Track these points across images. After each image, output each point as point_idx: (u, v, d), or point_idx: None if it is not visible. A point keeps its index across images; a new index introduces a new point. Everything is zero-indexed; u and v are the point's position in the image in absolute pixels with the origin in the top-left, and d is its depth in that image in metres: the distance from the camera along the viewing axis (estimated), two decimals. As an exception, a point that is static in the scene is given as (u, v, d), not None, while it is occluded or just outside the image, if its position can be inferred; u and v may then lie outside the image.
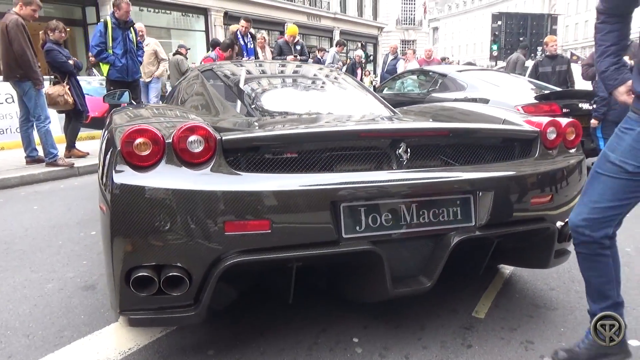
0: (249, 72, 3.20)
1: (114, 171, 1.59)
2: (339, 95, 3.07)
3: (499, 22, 34.52)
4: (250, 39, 7.75)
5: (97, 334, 2.10)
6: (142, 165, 1.60)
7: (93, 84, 8.44)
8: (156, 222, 1.58)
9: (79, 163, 5.74)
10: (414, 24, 41.45)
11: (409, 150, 1.88)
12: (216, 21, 20.19)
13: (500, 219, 1.95)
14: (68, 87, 5.83)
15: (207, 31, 20.09)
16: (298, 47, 8.75)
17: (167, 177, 1.60)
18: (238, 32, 7.57)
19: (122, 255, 1.61)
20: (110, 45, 5.92)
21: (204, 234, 1.59)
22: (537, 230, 2.05)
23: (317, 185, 1.67)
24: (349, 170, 1.83)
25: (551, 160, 2.12)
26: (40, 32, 5.82)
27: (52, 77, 5.92)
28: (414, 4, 41.43)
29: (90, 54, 6.71)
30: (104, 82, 8.51)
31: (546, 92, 5.63)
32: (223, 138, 1.65)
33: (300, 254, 1.68)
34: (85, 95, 6.62)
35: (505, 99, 5.57)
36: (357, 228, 1.75)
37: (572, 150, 2.24)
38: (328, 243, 1.72)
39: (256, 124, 2.18)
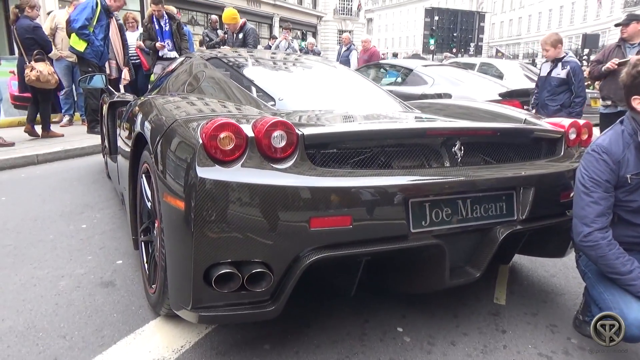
0: (258, 63, 3.15)
1: (196, 165, 1.55)
2: (354, 87, 3.11)
3: (434, 17, 35.83)
4: (167, 21, 7.04)
5: (140, 333, 2.02)
6: (224, 159, 1.57)
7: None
8: (241, 217, 1.56)
9: (37, 151, 5.35)
10: (351, 15, 41.88)
11: (462, 148, 1.97)
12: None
13: (538, 213, 2.10)
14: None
15: (142, 11, 19.05)
16: (240, 36, 7.73)
17: (252, 172, 1.58)
18: (153, 15, 6.97)
19: (203, 251, 1.57)
20: (93, 24, 5.62)
21: (289, 229, 1.59)
22: (563, 222, 2.23)
23: (393, 181, 1.72)
24: (411, 166, 1.89)
25: (574, 158, 2.30)
26: (12, 7, 5.48)
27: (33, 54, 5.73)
28: (351, -6, 41.84)
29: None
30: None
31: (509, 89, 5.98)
32: (305, 133, 1.66)
33: (375, 248, 1.72)
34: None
35: (469, 95, 5.85)
36: (423, 223, 1.82)
37: (586, 149, 2.43)
38: (398, 238, 1.78)
39: (319, 119, 2.19)
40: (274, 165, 1.62)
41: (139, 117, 2.26)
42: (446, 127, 2.11)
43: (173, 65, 3.66)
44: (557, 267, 2.94)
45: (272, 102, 2.50)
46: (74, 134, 6.52)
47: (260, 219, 1.57)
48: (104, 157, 4.68)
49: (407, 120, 2.43)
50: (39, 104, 6.14)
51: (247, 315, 1.70)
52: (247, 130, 1.62)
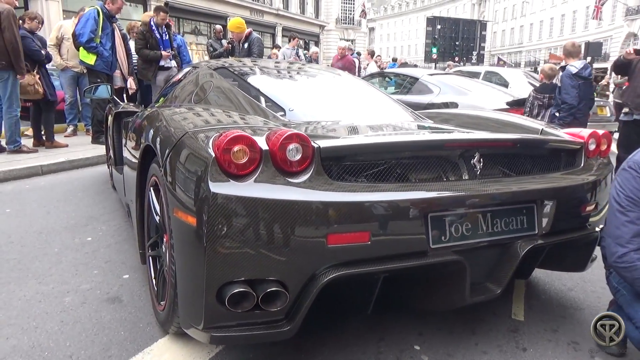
0: (266, 72, 3.10)
1: (208, 179, 1.49)
2: (363, 96, 3.06)
3: (437, 26, 35.91)
4: (166, 30, 6.91)
5: (148, 352, 1.95)
6: (238, 174, 1.51)
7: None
8: (256, 234, 1.50)
9: (42, 162, 5.30)
10: (353, 24, 42.04)
11: (481, 160, 1.91)
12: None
13: (559, 226, 2.03)
14: (38, 76, 5.66)
15: (147, 22, 19.20)
16: (246, 46, 7.55)
17: (267, 187, 1.52)
18: (152, 23, 6.61)
19: (216, 269, 1.51)
20: (99, 35, 5.61)
21: (306, 246, 1.53)
22: (584, 236, 2.16)
23: (412, 196, 1.66)
24: (429, 179, 1.83)
25: (594, 169, 2.24)
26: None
27: None
28: (353, 3, 42.01)
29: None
30: (54, 73, 7.96)
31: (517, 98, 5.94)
32: (321, 146, 1.60)
33: (393, 265, 1.65)
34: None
35: (477, 103, 5.80)
36: (443, 238, 1.76)
37: (604, 160, 2.37)
38: (418, 254, 1.71)
39: (333, 130, 2.13)
40: (289, 180, 1.55)
41: (147, 128, 2.21)
42: (465, 139, 2.05)
43: (179, 75, 3.61)
44: (575, 280, 2.86)
45: (282, 113, 2.44)
46: (78, 144, 6.48)
47: (275, 235, 1.51)
48: (109, 167, 4.64)
49: (424, 131, 2.37)
50: (41, 115, 6.14)
51: (261, 335, 1.63)
52: (262, 143, 1.56)
